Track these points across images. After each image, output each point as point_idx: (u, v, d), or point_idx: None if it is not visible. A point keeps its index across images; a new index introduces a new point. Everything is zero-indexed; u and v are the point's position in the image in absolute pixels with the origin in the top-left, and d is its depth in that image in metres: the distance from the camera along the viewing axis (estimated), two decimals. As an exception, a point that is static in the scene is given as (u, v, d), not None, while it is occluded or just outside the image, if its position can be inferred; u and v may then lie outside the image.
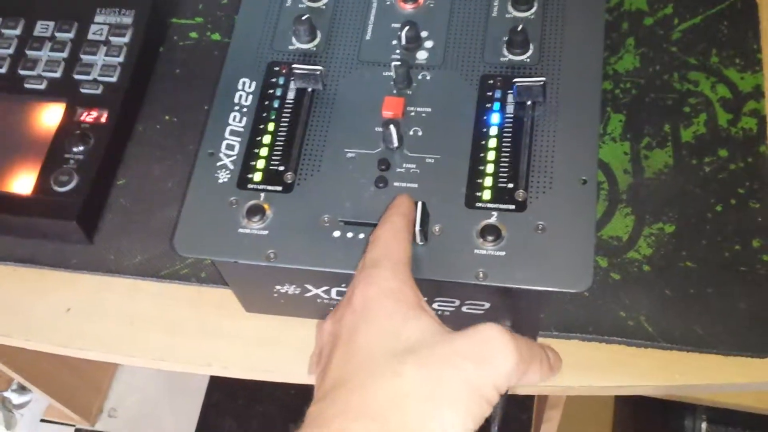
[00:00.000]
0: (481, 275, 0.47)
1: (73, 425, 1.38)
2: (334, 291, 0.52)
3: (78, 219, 0.59)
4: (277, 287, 0.53)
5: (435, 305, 0.52)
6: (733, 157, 0.60)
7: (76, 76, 0.64)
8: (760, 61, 0.64)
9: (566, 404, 0.87)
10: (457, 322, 0.53)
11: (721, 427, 0.78)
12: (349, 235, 0.49)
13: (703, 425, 0.78)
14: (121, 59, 0.65)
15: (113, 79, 0.64)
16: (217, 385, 1.36)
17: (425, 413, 0.37)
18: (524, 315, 0.52)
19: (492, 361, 0.40)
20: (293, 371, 0.57)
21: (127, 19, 0.66)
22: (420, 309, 0.42)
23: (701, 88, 0.63)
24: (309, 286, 0.52)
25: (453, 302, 0.51)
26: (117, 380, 1.40)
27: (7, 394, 1.33)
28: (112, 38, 0.66)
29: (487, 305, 0.51)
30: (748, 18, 0.67)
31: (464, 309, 0.52)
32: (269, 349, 0.57)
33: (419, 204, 0.47)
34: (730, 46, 0.65)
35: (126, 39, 0.66)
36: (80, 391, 1.34)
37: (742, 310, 0.55)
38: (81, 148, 0.61)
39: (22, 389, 1.33)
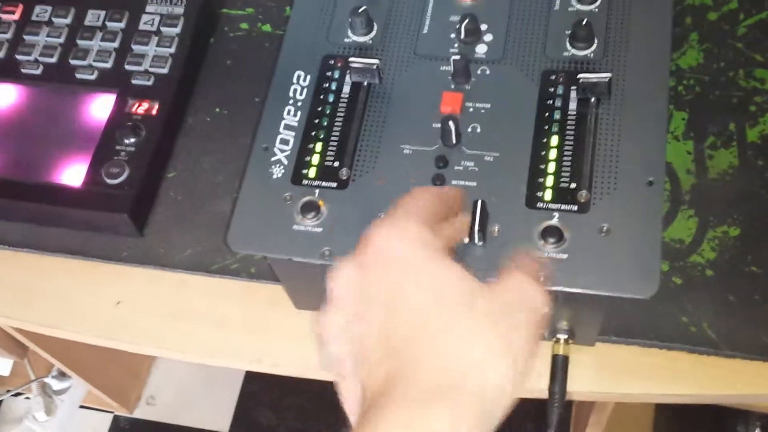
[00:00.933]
0: (542, 279, 0.46)
1: (112, 412, 1.39)
2: (388, 290, 0.51)
3: (130, 212, 0.58)
4: (331, 285, 0.52)
5: (491, 307, 0.51)
6: (802, 159, 0.58)
7: (128, 67, 0.64)
8: (830, 58, 0.62)
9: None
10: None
11: (776, 435, 0.76)
12: (407, 234, 0.48)
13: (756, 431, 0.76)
14: (172, 50, 0.64)
15: (164, 71, 0.63)
16: (254, 376, 1.36)
17: (501, 370, 0.34)
18: (584, 319, 0.51)
19: (534, 300, 0.38)
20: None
21: (179, 10, 0.66)
22: (455, 263, 0.38)
23: (768, 86, 0.61)
24: (363, 285, 0.51)
25: (511, 304, 0.50)
26: (156, 368, 1.41)
27: (47, 380, 1.34)
28: (163, 29, 0.65)
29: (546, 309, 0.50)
30: (817, 13, 0.64)
31: (522, 312, 0.50)
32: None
33: (479, 202, 0.46)
34: (798, 43, 0.63)
35: (177, 30, 0.65)
36: (119, 379, 1.35)
37: (810, 318, 0.53)
38: (132, 140, 0.60)
39: (61, 375, 1.34)
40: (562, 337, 0.52)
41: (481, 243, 0.47)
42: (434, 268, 0.37)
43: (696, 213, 0.57)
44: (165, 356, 0.59)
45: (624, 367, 0.54)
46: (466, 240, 0.46)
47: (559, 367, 0.51)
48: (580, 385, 0.53)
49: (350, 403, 0.37)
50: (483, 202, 0.46)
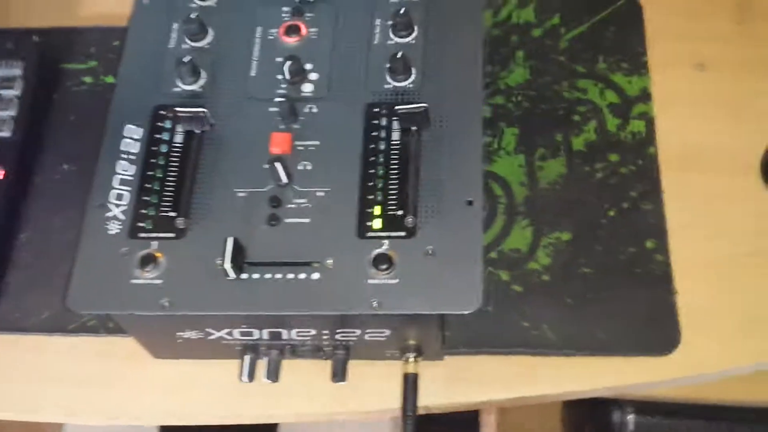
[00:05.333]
0: (375, 305, 0.48)
1: (23, 473, 1.35)
2: (236, 332, 0.52)
3: (-22, 280, 0.58)
4: (179, 333, 0.53)
5: (338, 336, 0.53)
6: (624, 161, 0.62)
7: (-32, 134, 0.63)
8: (646, 63, 0.66)
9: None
10: (363, 348, 0.54)
11: (648, 418, 0.80)
12: (244, 276, 0.49)
13: (630, 417, 0.80)
14: (13, 113, 0.64)
15: (7, 134, 0.63)
16: (169, 429, 1.34)
17: None
18: (426, 336, 0.53)
19: None
20: (209, 413, 0.56)
21: (16, 71, 0.65)
22: None
23: (590, 95, 0.65)
24: (210, 330, 0.52)
25: (354, 332, 0.52)
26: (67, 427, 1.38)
27: (-48, 448, 1.30)
28: (2, 92, 0.65)
29: (387, 332, 0.52)
30: (633, 22, 0.68)
31: (366, 337, 0.52)
32: (184, 393, 0.57)
33: (230, 240, 0.48)
34: (616, 51, 0.67)
35: (17, 91, 0.65)
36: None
37: (640, 312, 0.57)
38: (-23, 207, 0.60)
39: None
40: (411, 355, 0.54)
41: (235, 277, 0.49)
42: None
43: (530, 222, 0.60)
44: (26, 420, 0.58)
45: (475, 376, 0.56)
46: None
47: (409, 386, 0.53)
48: (435, 400, 0.55)
49: None
50: (235, 239, 0.49)
